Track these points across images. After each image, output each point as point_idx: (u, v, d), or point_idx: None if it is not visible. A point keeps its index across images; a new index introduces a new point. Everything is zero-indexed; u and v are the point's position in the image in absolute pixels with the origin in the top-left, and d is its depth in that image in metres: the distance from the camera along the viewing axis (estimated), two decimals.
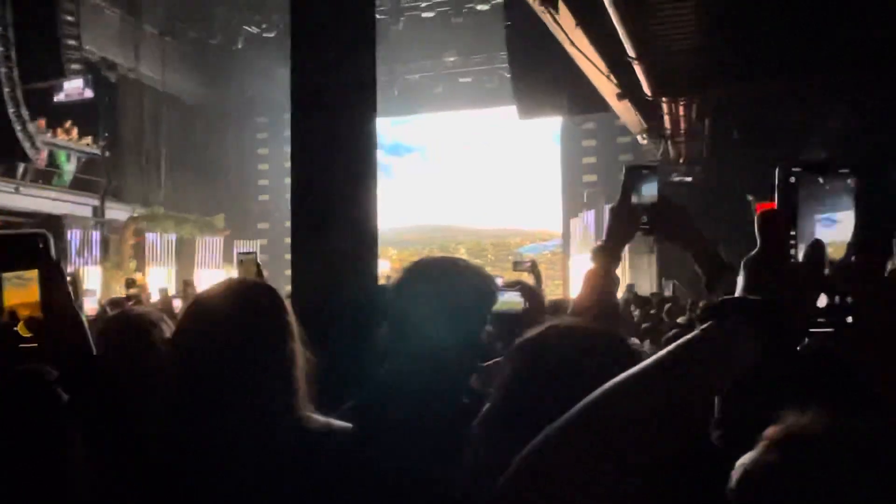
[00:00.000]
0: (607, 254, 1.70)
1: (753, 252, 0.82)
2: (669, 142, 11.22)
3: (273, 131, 20.10)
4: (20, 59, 12.65)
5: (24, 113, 13.07)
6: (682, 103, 9.38)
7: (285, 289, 2.91)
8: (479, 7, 16.65)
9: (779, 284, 0.78)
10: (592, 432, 0.73)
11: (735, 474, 0.83)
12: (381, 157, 20.80)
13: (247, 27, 18.02)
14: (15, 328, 1.22)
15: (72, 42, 13.78)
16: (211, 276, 17.83)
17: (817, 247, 0.78)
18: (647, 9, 6.90)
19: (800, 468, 0.79)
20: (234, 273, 4.63)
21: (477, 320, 1.60)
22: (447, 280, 1.59)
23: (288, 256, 2.88)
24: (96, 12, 16.04)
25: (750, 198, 9.55)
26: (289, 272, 2.83)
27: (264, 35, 17.77)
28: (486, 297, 1.65)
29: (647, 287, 11.49)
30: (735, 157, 10.68)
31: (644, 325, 6.52)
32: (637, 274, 12.59)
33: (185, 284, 6.20)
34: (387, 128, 19.79)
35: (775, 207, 0.81)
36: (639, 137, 12.30)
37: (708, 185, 11.52)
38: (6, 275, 1.24)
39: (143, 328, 1.93)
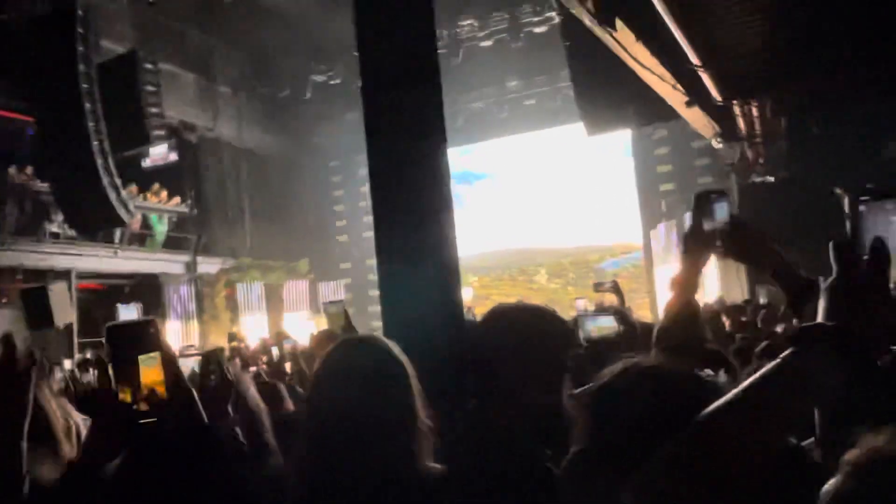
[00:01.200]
0: (684, 282, 1.71)
1: (831, 279, 0.84)
2: (746, 143, 10.92)
3: (346, 174, 20.64)
4: (109, 131, 13.44)
5: (117, 181, 13.86)
6: (754, 104, 9.14)
7: (371, 325, 3.00)
8: (537, 30, 16.73)
9: (854, 310, 0.80)
10: (691, 468, 0.78)
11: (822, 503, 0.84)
12: (452, 186, 20.95)
13: (313, 77, 18.65)
14: (135, 405, 1.34)
15: (154, 110, 14.53)
16: (299, 319, 18.37)
17: (880, 257, 0.80)
18: (708, 15, 6.81)
19: (876, 496, 0.79)
20: (321, 320, 4.83)
21: (558, 367, 1.64)
22: (529, 329, 1.65)
23: (372, 292, 2.96)
24: (174, 78, 16.92)
25: (837, 191, 9.18)
26: (373, 308, 2.91)
27: (330, 83, 18.33)
28: (567, 345, 1.69)
29: (738, 295, 11.14)
30: (817, 152, 10.30)
31: (739, 336, 6.33)
32: (728, 282, 12.22)
33: (279, 336, 6.42)
34: (455, 157, 19.92)
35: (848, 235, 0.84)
36: (713, 142, 12.02)
37: (791, 183, 11.13)
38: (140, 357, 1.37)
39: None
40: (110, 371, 1.39)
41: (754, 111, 9.46)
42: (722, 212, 1.66)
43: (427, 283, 2.67)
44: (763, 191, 10.69)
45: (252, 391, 1.51)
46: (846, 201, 0.94)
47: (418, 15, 2.86)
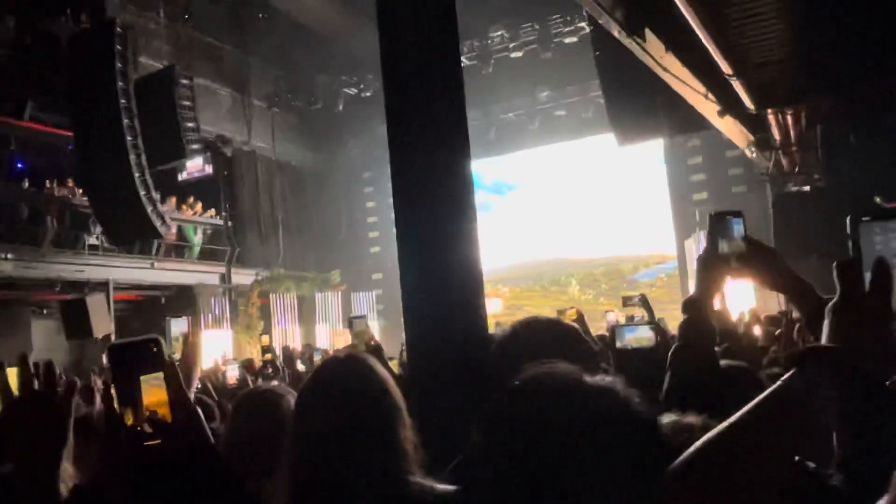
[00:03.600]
0: (699, 304, 1.69)
1: (834, 299, 0.83)
2: (780, 152, 10.75)
3: (378, 185, 20.80)
4: (146, 146, 13.74)
5: (154, 194, 14.15)
6: (789, 113, 9.00)
7: (402, 336, 3.01)
8: (567, 40, 16.71)
9: (856, 331, 0.79)
10: (700, 488, 0.77)
11: None
12: (484, 196, 21.02)
13: (346, 90, 18.87)
14: (139, 427, 1.36)
15: (190, 124, 14.82)
16: (331, 330, 18.52)
17: (883, 278, 0.79)
18: (739, 23, 6.74)
19: None
20: (348, 333, 4.90)
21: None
22: (548, 346, 1.64)
23: None
24: (209, 93, 17.26)
25: (878, 199, 9.00)
26: None
27: (362, 95, 18.54)
28: (589, 363, 1.69)
29: (774, 306, 10.94)
30: (854, 160, 10.11)
31: (772, 349, 6.21)
32: (763, 293, 12.00)
33: (307, 348, 6.48)
34: (487, 168, 20.04)
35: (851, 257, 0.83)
36: (746, 151, 11.86)
37: (828, 192, 10.93)
38: (144, 377, 1.37)
39: (272, 404, 2.13)
40: (113, 392, 1.40)
41: (789, 119, 9.31)
42: (738, 232, 1.65)
43: (450, 294, 2.67)
44: (799, 200, 10.51)
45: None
46: (847, 223, 0.92)
47: (441, 27, 2.87)
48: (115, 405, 1.29)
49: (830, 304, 0.83)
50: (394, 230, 2.85)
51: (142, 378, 1.36)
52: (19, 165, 15.90)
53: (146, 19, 15.92)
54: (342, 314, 19.34)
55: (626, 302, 5.59)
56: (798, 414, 0.78)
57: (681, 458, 0.80)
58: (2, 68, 14.02)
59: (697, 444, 0.80)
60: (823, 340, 0.82)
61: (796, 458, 0.81)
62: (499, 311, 19.75)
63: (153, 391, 1.36)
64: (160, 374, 1.36)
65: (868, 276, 0.81)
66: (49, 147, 15.69)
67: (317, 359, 5.51)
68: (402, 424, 1.54)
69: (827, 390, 0.77)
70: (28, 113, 15.05)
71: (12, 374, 1.42)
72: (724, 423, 0.80)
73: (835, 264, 0.83)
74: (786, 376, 0.80)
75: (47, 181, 15.14)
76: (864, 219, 0.83)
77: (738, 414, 0.80)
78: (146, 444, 1.32)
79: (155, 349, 1.37)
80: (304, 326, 18.71)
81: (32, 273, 13.90)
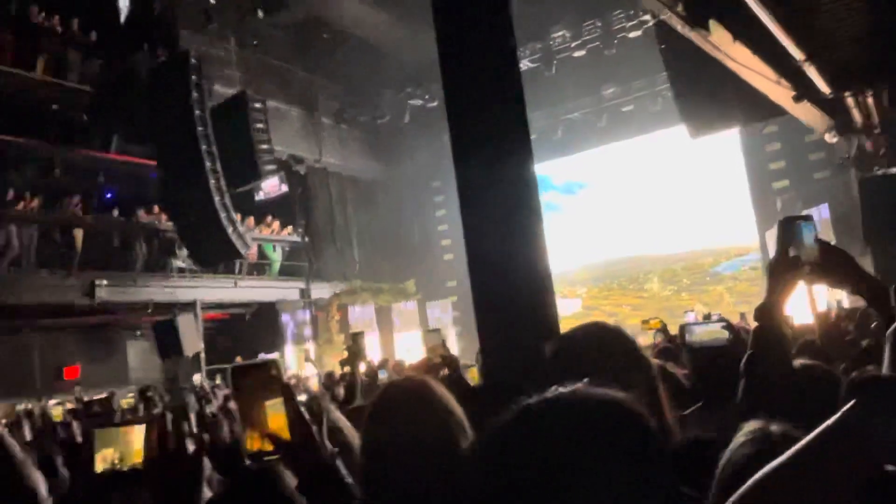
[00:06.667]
0: (771, 311, 1.67)
1: (895, 325, 0.80)
2: (863, 135, 10.27)
3: (448, 193, 20.89)
4: (224, 169, 14.25)
5: (234, 216, 14.67)
6: (869, 94, 8.60)
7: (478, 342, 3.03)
8: (631, 35, 16.43)
9: None
10: None
11: None
12: (555, 197, 20.87)
13: (411, 101, 19.09)
14: (257, 446, 1.42)
15: (264, 146, 15.27)
16: (408, 338, 18.74)
17: None
18: (807, 5, 6.50)
19: None
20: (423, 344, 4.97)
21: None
22: (594, 353, 1.66)
23: None
24: (280, 114, 17.77)
25: None
26: None
27: (428, 105, 18.71)
28: (637, 364, 1.71)
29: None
30: None
31: (864, 342, 5.92)
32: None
33: (384, 361, 6.61)
34: (556, 169, 19.87)
35: None
36: (826, 136, 11.38)
37: None
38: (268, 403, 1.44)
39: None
40: (237, 415, 1.45)
41: (869, 101, 8.90)
42: (809, 237, 1.62)
43: (519, 298, 2.68)
44: (886, 183, 10.00)
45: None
46: None
47: (498, 33, 2.89)
48: (240, 426, 1.37)
49: (891, 330, 0.79)
50: None
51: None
52: (108, 196, 16.74)
53: (217, 48, 16.55)
54: (419, 323, 19.54)
55: (644, 325, 5.52)
56: (856, 451, 0.74)
57: (735, 496, 0.79)
58: (88, 106, 14.82)
59: (750, 482, 0.79)
60: (885, 367, 0.79)
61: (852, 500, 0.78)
62: (577, 311, 19.55)
63: (273, 416, 1.43)
64: (279, 400, 1.43)
65: None
66: (135, 176, 16.47)
67: (382, 377, 5.56)
68: (467, 439, 1.59)
69: (889, 424, 0.74)
70: (114, 146, 15.84)
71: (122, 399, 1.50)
72: (779, 459, 0.78)
73: (893, 287, 0.81)
74: (845, 408, 0.77)
75: (136, 209, 15.89)
76: None
77: (792, 449, 0.78)
78: (266, 458, 1.40)
79: (275, 372, 1.44)
80: (382, 336, 18.99)
81: (125, 297, 14.63)
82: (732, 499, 0.78)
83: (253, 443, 1.43)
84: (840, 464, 0.75)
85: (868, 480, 0.75)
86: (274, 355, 13.83)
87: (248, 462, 1.44)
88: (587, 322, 1.91)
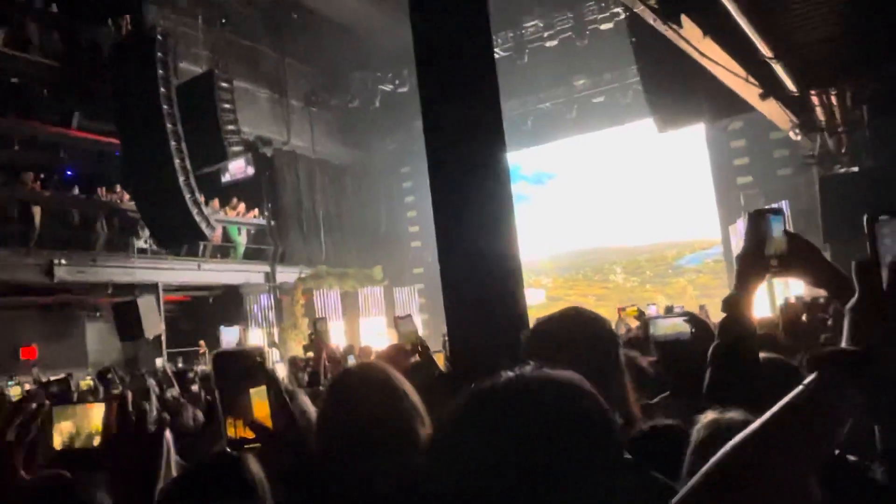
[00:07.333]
0: (739, 302, 1.69)
1: (853, 301, 0.82)
2: (826, 134, 10.47)
3: (417, 180, 20.85)
4: (189, 150, 14.02)
5: (199, 197, 14.45)
6: (833, 94, 8.76)
7: (444, 329, 3.05)
8: (603, 27, 16.52)
9: (878, 332, 0.78)
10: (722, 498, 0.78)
11: None
12: (524, 187, 20.94)
13: (382, 86, 18.96)
14: (240, 433, 1.39)
15: (231, 127, 15.07)
16: (374, 324, 18.70)
17: None
18: (777, 4, 6.58)
19: None
20: (393, 332, 4.95)
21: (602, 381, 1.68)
22: (572, 344, 1.68)
23: None
24: (248, 95, 17.52)
25: None
26: None
27: (398, 91, 18.60)
28: (610, 348, 1.74)
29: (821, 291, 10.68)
30: None
31: (823, 336, 6.06)
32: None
33: (350, 347, 6.58)
34: (526, 158, 19.93)
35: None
36: (791, 133, 11.58)
37: (878, 173, 10.58)
38: (253, 390, 1.41)
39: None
40: (218, 403, 1.42)
41: (833, 100, 9.07)
42: (777, 230, 1.63)
43: (489, 287, 2.68)
44: (846, 181, 10.20)
45: None
46: (864, 221, 0.89)
47: (473, 19, 2.87)
48: (221, 413, 1.35)
49: (850, 304, 0.82)
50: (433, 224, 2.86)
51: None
52: (69, 173, 16.36)
53: (185, 25, 16.22)
54: (385, 309, 19.50)
55: (621, 312, 5.60)
56: (817, 421, 0.78)
57: (707, 465, 0.81)
58: (49, 80, 14.44)
59: (718, 455, 0.81)
60: (843, 341, 0.81)
61: (813, 468, 0.81)
62: (542, 302, 19.70)
63: (258, 404, 1.41)
64: (262, 388, 1.40)
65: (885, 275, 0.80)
66: (97, 154, 16.12)
67: (351, 363, 5.56)
68: (423, 424, 1.59)
69: (849, 394, 0.77)
70: (75, 122, 15.47)
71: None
72: (745, 431, 0.80)
73: (853, 263, 0.83)
74: (806, 381, 0.79)
75: (97, 188, 15.56)
76: (881, 217, 0.82)
77: (758, 421, 0.80)
78: (247, 447, 1.38)
79: (260, 359, 1.42)
80: (347, 321, 18.91)
81: (85, 277, 14.33)
82: (701, 472, 0.79)
83: (236, 430, 1.41)
84: (805, 433, 0.78)
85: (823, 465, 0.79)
86: (234, 329, 13.63)
87: (228, 449, 1.42)
88: (567, 307, 1.94)
